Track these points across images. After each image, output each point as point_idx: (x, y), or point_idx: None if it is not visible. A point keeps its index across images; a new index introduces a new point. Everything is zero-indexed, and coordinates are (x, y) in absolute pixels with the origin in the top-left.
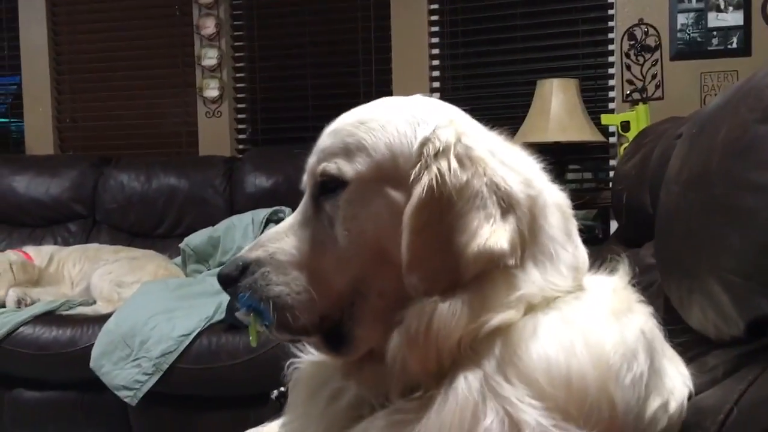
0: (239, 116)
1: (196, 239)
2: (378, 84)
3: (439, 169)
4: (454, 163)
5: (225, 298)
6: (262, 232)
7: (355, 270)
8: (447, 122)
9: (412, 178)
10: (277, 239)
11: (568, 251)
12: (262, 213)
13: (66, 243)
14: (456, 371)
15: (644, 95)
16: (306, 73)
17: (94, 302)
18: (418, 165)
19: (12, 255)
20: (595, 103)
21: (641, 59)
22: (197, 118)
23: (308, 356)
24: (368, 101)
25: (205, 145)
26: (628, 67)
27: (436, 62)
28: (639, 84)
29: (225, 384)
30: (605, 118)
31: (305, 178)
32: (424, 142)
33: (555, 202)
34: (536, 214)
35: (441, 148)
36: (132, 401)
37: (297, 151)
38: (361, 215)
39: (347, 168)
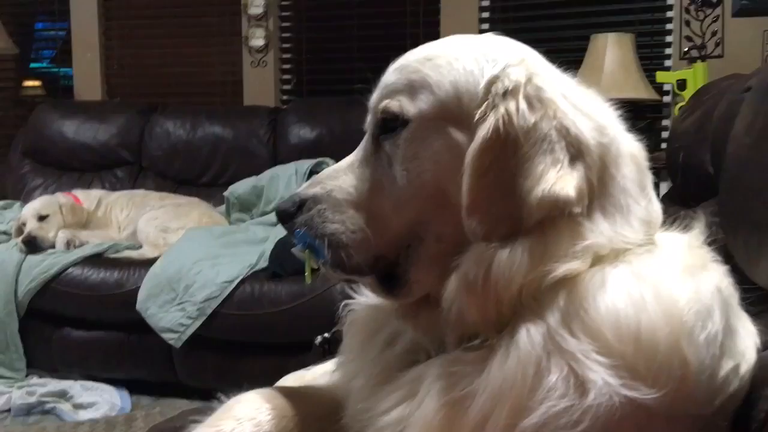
0: (284, 66)
1: (240, 188)
2: (426, 36)
3: (506, 110)
4: (522, 104)
5: (268, 246)
6: None
7: (413, 212)
8: (518, 61)
9: (476, 118)
10: (335, 177)
11: (640, 205)
12: (306, 164)
13: (113, 188)
14: (517, 322)
15: (703, 53)
16: (352, 24)
17: (141, 246)
18: (485, 104)
19: (62, 198)
20: (650, 59)
21: (701, 15)
22: (242, 68)
23: (363, 298)
24: None
25: (250, 94)
26: (688, 23)
27: (485, 14)
28: (698, 41)
29: (266, 330)
30: (661, 76)
31: (368, 117)
32: (492, 81)
33: (630, 152)
34: (608, 163)
35: (510, 88)
36: (176, 344)
37: (356, 96)
38: (421, 155)
39: (409, 106)
